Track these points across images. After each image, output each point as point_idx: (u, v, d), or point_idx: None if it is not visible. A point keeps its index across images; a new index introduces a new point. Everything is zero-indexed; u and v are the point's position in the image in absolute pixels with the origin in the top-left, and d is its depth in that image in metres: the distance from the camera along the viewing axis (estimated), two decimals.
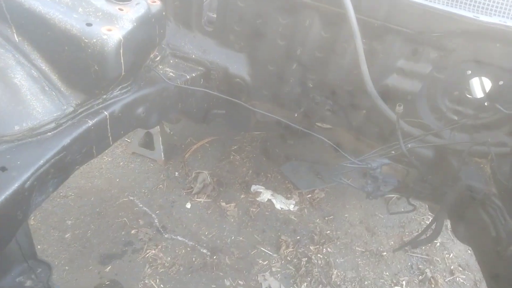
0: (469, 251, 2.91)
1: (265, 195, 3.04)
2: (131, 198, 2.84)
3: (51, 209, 2.63)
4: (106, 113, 1.58)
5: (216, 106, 2.22)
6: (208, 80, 2.08)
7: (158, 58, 1.94)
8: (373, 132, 2.01)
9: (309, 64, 1.89)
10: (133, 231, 2.61)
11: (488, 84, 1.75)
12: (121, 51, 1.44)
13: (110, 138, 1.67)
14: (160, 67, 1.95)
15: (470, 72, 1.71)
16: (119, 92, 1.66)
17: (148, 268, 2.40)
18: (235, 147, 3.42)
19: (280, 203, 3.00)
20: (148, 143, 3.16)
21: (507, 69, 1.62)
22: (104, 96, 1.60)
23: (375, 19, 1.67)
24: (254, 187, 3.09)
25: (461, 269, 2.79)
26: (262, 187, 3.09)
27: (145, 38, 1.57)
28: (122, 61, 1.47)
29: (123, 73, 1.52)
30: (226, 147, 3.41)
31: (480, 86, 1.79)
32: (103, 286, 2.25)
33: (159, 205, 2.84)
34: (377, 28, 1.65)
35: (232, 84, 2.10)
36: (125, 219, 2.67)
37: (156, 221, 2.72)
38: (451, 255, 2.87)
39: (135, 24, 1.47)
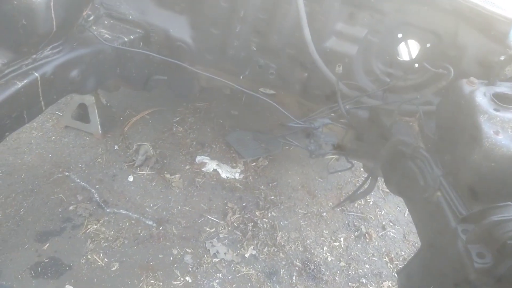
0: (399, 208, 3.20)
1: (211, 165, 3.04)
2: (67, 173, 2.68)
3: None
4: (36, 75, 1.47)
5: (157, 72, 2.15)
6: (148, 43, 2.00)
7: (92, 18, 1.81)
8: (314, 95, 2.09)
9: (253, 26, 1.89)
10: (71, 207, 2.47)
11: (416, 47, 1.90)
12: (52, 4, 1.32)
13: (42, 102, 1.55)
14: (94, 28, 1.83)
15: (401, 35, 1.84)
16: (50, 52, 1.54)
17: (90, 243, 2.31)
18: (177, 118, 3.35)
19: (226, 172, 3.02)
20: (82, 115, 2.96)
21: (433, 32, 1.76)
22: (34, 56, 1.48)
23: None
24: (199, 158, 3.07)
25: (391, 224, 3.06)
26: (207, 158, 3.09)
27: None
28: (53, 15, 1.36)
29: (54, 29, 1.40)
30: (168, 119, 3.32)
31: (409, 49, 1.93)
32: (41, 264, 2.13)
33: (99, 179, 2.71)
34: None
35: (174, 48, 2.03)
36: (61, 195, 2.52)
37: (96, 195, 2.60)
38: (383, 212, 3.12)
39: None
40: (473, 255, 1.20)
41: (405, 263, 2.11)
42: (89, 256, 2.24)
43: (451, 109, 1.58)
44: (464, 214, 1.39)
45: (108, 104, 3.13)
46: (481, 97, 1.47)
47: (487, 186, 1.40)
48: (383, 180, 2.38)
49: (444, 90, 1.75)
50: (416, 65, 1.89)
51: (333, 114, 1.97)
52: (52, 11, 1.36)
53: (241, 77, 2.06)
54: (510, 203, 1.20)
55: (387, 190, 3.03)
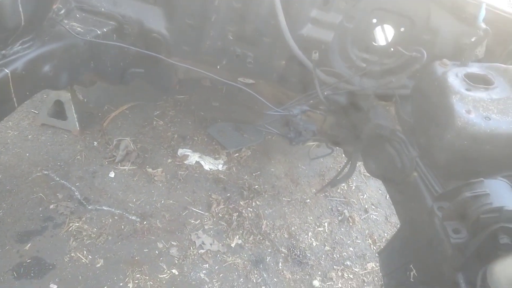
0: (380, 191, 3.26)
1: (193, 157, 3.03)
2: (45, 172, 2.63)
3: None
4: (7, 71, 1.43)
5: (133, 65, 2.11)
6: (122, 35, 1.96)
7: (63, 11, 1.77)
8: (293, 83, 2.10)
9: (228, 15, 1.88)
10: (51, 206, 2.43)
11: (391, 31, 1.92)
12: None
13: (15, 99, 1.52)
14: (66, 21, 1.79)
15: (375, 20, 1.86)
16: (20, 47, 1.50)
17: (73, 241, 2.28)
18: (157, 112, 3.32)
19: (209, 164, 3.02)
20: (59, 113, 2.90)
21: (407, 16, 1.79)
22: (3, 52, 1.44)
23: None
24: (181, 151, 3.05)
25: (374, 207, 3.12)
26: (189, 150, 3.08)
27: None
28: (20, 9, 1.32)
29: (22, 23, 1.37)
30: (148, 113, 3.28)
31: (384, 34, 1.95)
32: (24, 264, 2.09)
33: (79, 177, 2.67)
34: None
35: (149, 39, 2.00)
36: (41, 194, 2.47)
37: (76, 193, 2.56)
38: (365, 196, 3.19)
39: None
40: (449, 231, 1.24)
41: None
42: (72, 254, 2.21)
43: (425, 91, 1.61)
44: (440, 192, 1.44)
45: (85, 100, 3.08)
46: (453, 78, 1.50)
47: (461, 164, 1.45)
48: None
49: (418, 73, 1.78)
50: (392, 49, 1.92)
51: (311, 101, 1.98)
52: (19, 5, 1.32)
53: (218, 67, 2.05)
54: (482, 179, 1.25)
55: (369, 174, 3.09)
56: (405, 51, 1.75)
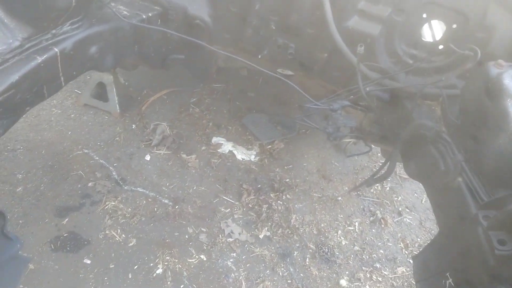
0: (416, 194, 3.15)
1: (226, 146, 3.05)
2: (86, 151, 2.73)
3: None
4: (56, 50, 1.47)
5: (175, 51, 2.13)
6: (166, 21, 1.98)
7: None
8: (334, 77, 2.04)
9: (272, 4, 1.85)
10: (90, 184, 2.53)
11: (442, 27, 1.82)
12: None
13: (62, 78, 1.57)
14: (113, 4, 1.82)
15: (426, 15, 1.77)
16: (69, 27, 1.54)
17: (108, 219, 2.36)
18: (194, 99, 3.35)
19: (241, 154, 3.02)
20: (101, 94, 3.00)
21: (461, 12, 1.69)
22: (54, 31, 1.48)
23: None
24: (215, 139, 3.08)
25: (408, 210, 3.02)
26: (223, 139, 3.09)
27: None
28: None
29: (73, 4, 1.40)
30: (185, 100, 3.33)
31: (434, 29, 1.86)
32: (61, 238, 2.19)
33: (117, 157, 2.75)
34: None
35: (192, 26, 2.01)
36: (80, 172, 2.57)
37: (114, 173, 2.64)
38: (400, 198, 3.08)
39: None
40: (494, 242, 1.17)
41: (421, 249, 2.08)
42: (107, 232, 2.29)
43: (477, 93, 1.51)
44: (486, 200, 1.35)
45: (126, 84, 3.15)
46: (509, 80, 1.40)
47: (511, 172, 1.36)
48: (400, 165, 2.33)
49: (470, 73, 1.68)
50: (441, 46, 1.82)
51: (352, 96, 1.92)
52: None
53: (260, 57, 2.03)
54: None
55: (405, 176, 2.98)
56: (457, 49, 1.65)
